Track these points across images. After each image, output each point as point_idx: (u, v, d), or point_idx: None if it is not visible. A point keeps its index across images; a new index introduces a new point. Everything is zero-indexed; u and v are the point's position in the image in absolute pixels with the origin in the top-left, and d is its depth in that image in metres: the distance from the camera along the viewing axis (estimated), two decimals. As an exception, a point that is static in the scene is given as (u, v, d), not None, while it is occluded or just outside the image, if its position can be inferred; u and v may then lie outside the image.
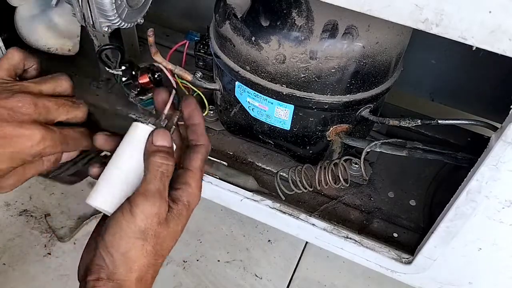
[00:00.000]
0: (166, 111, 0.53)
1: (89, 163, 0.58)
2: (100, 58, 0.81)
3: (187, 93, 0.81)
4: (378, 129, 0.86)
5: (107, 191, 0.50)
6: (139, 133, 0.50)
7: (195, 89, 0.79)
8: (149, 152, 0.49)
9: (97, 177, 0.52)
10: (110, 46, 0.80)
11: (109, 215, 0.49)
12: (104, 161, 0.53)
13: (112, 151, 0.52)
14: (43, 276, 0.84)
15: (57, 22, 0.86)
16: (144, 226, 0.46)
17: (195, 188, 0.50)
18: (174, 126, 0.53)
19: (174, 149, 0.51)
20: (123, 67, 0.81)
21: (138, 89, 0.84)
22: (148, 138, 0.50)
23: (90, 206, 0.50)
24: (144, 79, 0.83)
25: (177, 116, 0.54)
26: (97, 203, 0.49)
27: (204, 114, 0.84)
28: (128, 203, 0.46)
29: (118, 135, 0.53)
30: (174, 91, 0.54)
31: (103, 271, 0.45)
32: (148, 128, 0.50)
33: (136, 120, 0.52)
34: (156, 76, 0.84)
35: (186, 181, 0.50)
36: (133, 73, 0.82)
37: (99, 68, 0.94)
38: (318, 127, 0.71)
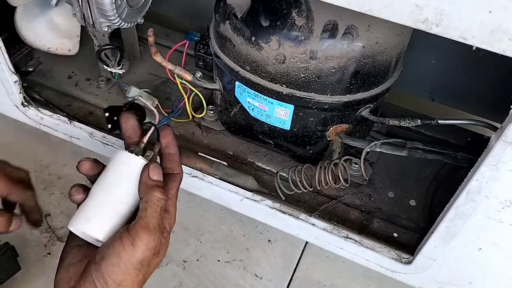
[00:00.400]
0: (146, 139, 0.55)
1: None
2: (99, 58, 0.81)
3: (185, 95, 0.80)
4: (378, 129, 0.86)
5: (99, 220, 0.50)
6: (132, 164, 0.52)
7: (194, 89, 0.79)
8: (148, 186, 0.51)
9: (80, 202, 0.53)
10: (110, 46, 0.80)
11: (98, 244, 0.50)
12: (82, 184, 0.54)
13: (95, 178, 0.54)
14: (43, 276, 0.84)
15: (57, 22, 0.86)
16: (142, 257, 0.48)
17: (173, 214, 0.53)
18: (156, 157, 0.56)
19: None
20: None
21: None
22: (143, 171, 0.52)
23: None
24: None
25: (158, 148, 0.56)
26: (89, 231, 0.50)
27: (202, 115, 0.84)
28: (129, 235, 0.48)
29: (101, 163, 0.55)
30: (152, 128, 0.57)
31: None
32: (141, 161, 0.52)
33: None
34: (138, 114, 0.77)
35: (167, 209, 0.53)
36: (115, 118, 0.74)
37: (99, 68, 0.94)
38: (318, 127, 0.71)
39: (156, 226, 0.49)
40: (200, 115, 0.84)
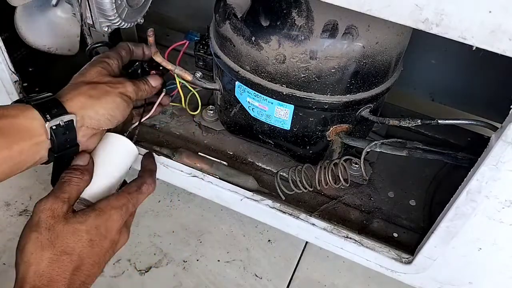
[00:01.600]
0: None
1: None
2: (90, 56, 0.81)
3: (182, 94, 0.78)
4: (377, 130, 0.86)
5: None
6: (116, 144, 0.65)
7: (191, 89, 0.78)
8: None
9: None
10: (99, 44, 0.79)
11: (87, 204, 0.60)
12: None
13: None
14: (43, 276, 0.84)
15: (57, 22, 0.86)
16: (37, 219, 0.53)
17: (113, 202, 0.58)
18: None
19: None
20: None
21: None
22: None
23: None
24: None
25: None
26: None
27: (198, 112, 0.82)
28: None
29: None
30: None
31: (16, 282, 0.52)
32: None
33: None
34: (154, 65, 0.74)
35: (108, 197, 0.59)
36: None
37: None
38: (318, 127, 0.71)
39: (51, 194, 0.55)
40: (195, 113, 0.83)
